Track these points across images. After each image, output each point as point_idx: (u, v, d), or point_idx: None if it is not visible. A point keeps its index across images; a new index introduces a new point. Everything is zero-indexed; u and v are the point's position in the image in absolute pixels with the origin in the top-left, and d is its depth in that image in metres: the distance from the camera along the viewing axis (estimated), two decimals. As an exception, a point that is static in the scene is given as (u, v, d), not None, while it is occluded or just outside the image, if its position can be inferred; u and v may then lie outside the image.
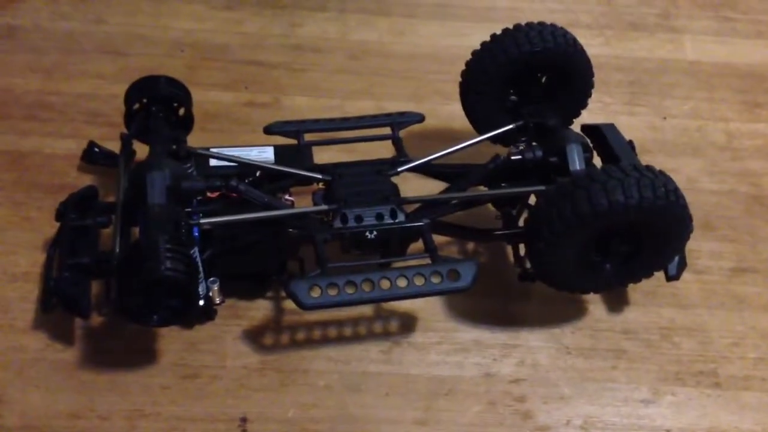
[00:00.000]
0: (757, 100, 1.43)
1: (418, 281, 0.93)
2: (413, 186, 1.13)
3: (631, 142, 1.11)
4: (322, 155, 1.10)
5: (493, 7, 1.56)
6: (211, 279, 0.94)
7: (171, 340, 1.01)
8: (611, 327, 1.09)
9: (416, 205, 1.03)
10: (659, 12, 1.59)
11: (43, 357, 0.99)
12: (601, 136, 1.10)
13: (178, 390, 0.97)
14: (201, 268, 0.92)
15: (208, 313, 1.00)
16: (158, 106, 1.09)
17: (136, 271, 0.86)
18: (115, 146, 1.12)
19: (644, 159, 1.10)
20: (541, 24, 1.10)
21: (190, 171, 1.02)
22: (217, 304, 0.96)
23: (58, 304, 0.95)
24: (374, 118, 1.13)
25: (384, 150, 1.14)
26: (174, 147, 1.02)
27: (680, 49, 1.52)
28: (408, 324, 1.06)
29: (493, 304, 1.09)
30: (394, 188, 1.03)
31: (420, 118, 1.13)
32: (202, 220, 0.95)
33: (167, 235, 0.88)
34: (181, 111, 1.12)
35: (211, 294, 0.94)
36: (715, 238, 1.21)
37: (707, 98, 1.43)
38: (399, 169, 1.06)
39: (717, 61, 1.50)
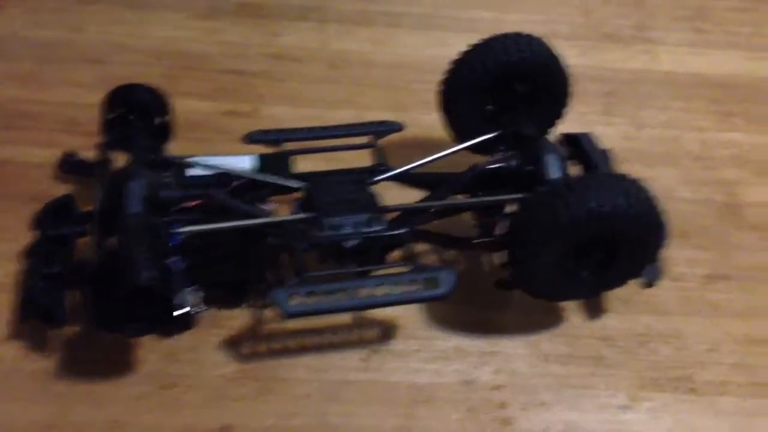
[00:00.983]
0: (731, 109, 1.46)
1: (398, 289, 0.93)
2: (392, 195, 1.13)
3: (608, 151, 1.12)
4: (302, 164, 1.10)
5: (476, 18, 1.57)
6: (190, 288, 0.93)
7: (149, 349, 1.01)
8: (589, 334, 1.09)
9: (395, 214, 1.04)
10: (635, 24, 1.61)
11: (19, 367, 0.98)
12: (578, 145, 1.11)
13: (155, 400, 0.97)
14: (179, 277, 0.92)
15: (187, 323, 0.99)
16: (136, 114, 1.09)
17: (114, 280, 0.85)
18: (92, 155, 1.11)
19: (622, 168, 1.11)
20: (518, 34, 1.11)
21: (168, 180, 1.01)
22: (196, 314, 0.95)
23: (33, 313, 0.94)
24: (354, 127, 1.14)
25: (364, 159, 1.14)
26: (152, 156, 1.01)
27: (655, 60, 1.54)
28: (387, 332, 1.07)
29: (472, 311, 1.09)
30: (374, 197, 1.04)
31: (399, 127, 1.13)
32: (180, 229, 0.94)
33: (145, 244, 0.87)
34: (160, 120, 1.11)
35: (189, 303, 0.93)
36: (690, 245, 1.22)
37: (682, 108, 1.45)
38: (378, 178, 1.06)
39: (692, 72, 1.52)
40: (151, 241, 0.89)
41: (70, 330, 1.00)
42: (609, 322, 1.11)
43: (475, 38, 1.13)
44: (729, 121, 1.43)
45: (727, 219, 1.27)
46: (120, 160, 1.06)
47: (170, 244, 0.93)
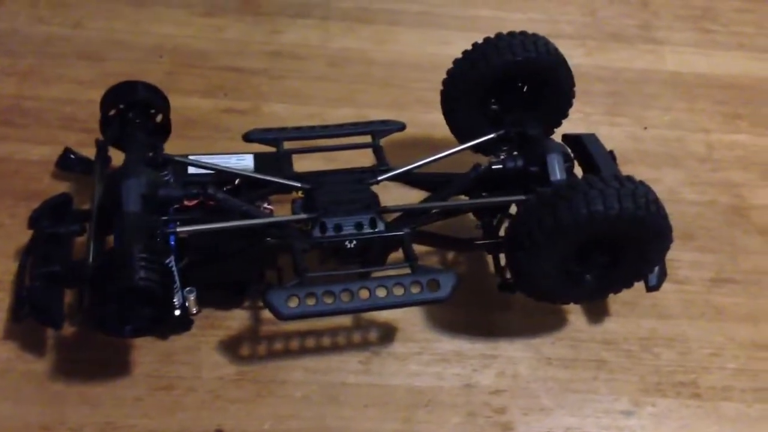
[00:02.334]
0: (737, 111, 1.44)
1: (398, 291, 0.92)
2: (394, 195, 1.13)
3: (612, 152, 1.11)
4: (302, 163, 1.09)
5: (477, 16, 1.56)
6: (188, 288, 0.92)
7: (145, 351, 0.99)
8: (592, 337, 1.08)
9: (396, 215, 1.02)
10: (640, 23, 1.60)
11: (13, 368, 0.96)
12: (582, 146, 1.09)
13: (151, 402, 0.96)
14: (177, 278, 0.91)
15: (184, 324, 0.98)
16: (135, 112, 1.07)
17: (110, 280, 0.84)
18: (90, 153, 1.10)
19: (625, 169, 1.10)
20: (523, 33, 1.10)
21: (167, 178, 1.00)
22: (194, 314, 0.94)
23: (29, 313, 0.93)
24: (355, 126, 1.12)
25: (365, 158, 1.13)
26: (150, 154, 1.00)
27: (660, 60, 1.53)
28: (387, 334, 1.05)
29: (473, 314, 1.08)
30: (375, 197, 1.02)
31: (401, 126, 1.12)
32: (179, 229, 0.93)
33: (142, 244, 0.86)
34: (159, 117, 1.10)
35: (187, 304, 0.92)
36: (695, 248, 1.21)
37: (687, 109, 1.44)
38: (379, 178, 1.05)
39: (697, 72, 1.51)
40: (148, 240, 0.88)
41: (65, 330, 0.98)
42: (611, 325, 1.10)
43: (476, 37, 1.12)
44: (735, 123, 1.42)
45: (732, 221, 1.25)
46: (119, 157, 1.05)
47: (168, 244, 0.92)
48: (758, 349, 1.09)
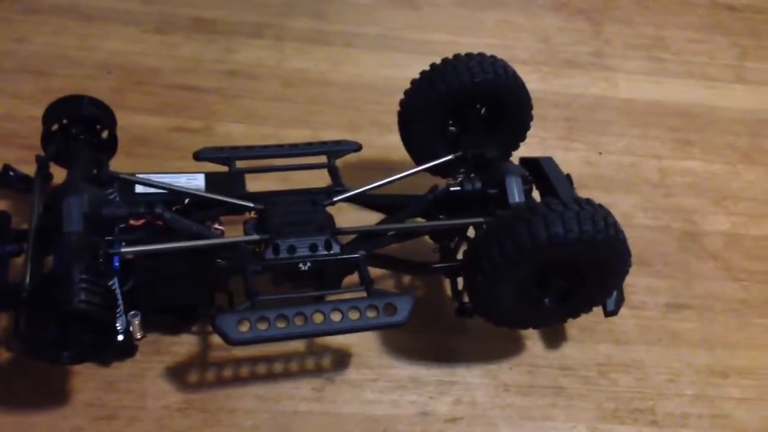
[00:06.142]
0: (688, 138, 1.46)
1: (353, 315, 0.89)
2: (349, 217, 1.10)
3: (568, 176, 1.10)
4: (256, 184, 1.06)
5: (433, 41, 1.56)
6: (132, 312, 0.88)
7: (86, 378, 0.94)
8: (549, 363, 1.07)
9: (352, 237, 1.00)
10: (593, 51, 1.62)
11: (-58, 397, 0.91)
12: (539, 169, 1.09)
13: (92, 433, 0.91)
14: (120, 301, 0.86)
15: (128, 349, 0.94)
16: (79, 127, 1.03)
17: (47, 302, 0.79)
18: (31, 170, 1.05)
19: (581, 194, 1.09)
20: (481, 55, 1.09)
21: (112, 197, 0.96)
22: (138, 339, 0.90)
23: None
24: (310, 146, 1.10)
25: (320, 179, 1.10)
26: (95, 171, 0.96)
27: (614, 87, 1.55)
28: (342, 360, 1.02)
29: (430, 339, 1.06)
30: (330, 219, 1.00)
31: (357, 146, 1.10)
32: (123, 249, 0.89)
33: (83, 265, 0.82)
34: (104, 134, 1.06)
35: (131, 328, 0.88)
36: (650, 273, 1.21)
37: (641, 135, 1.45)
38: (334, 199, 1.03)
39: (650, 100, 1.53)
40: (90, 261, 0.84)
41: (0, 355, 0.93)
42: (569, 350, 1.09)
43: (431, 60, 1.11)
44: (686, 150, 1.44)
45: (686, 247, 1.26)
46: (61, 175, 1.00)
47: (111, 265, 0.88)
48: (714, 375, 1.09)
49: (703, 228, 1.30)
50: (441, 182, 1.06)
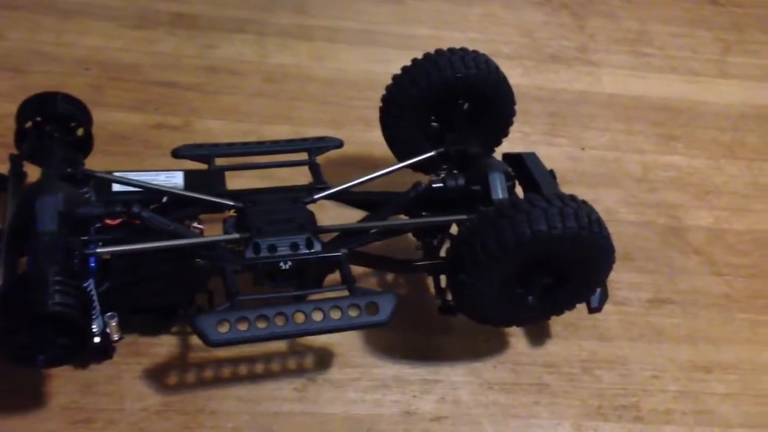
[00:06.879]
0: (671, 132, 1.46)
1: (335, 315, 0.88)
2: (331, 214, 1.09)
3: (552, 172, 1.10)
4: (236, 181, 1.04)
5: (415, 35, 1.55)
6: (109, 314, 0.86)
7: (63, 381, 0.93)
8: (533, 361, 1.06)
9: (333, 235, 0.99)
10: (577, 46, 1.62)
11: None
12: (522, 165, 1.08)
13: (69, 436, 0.89)
14: (96, 302, 0.85)
15: (105, 351, 0.92)
16: (53, 125, 1.01)
17: (21, 305, 0.77)
18: (5, 169, 1.03)
19: (564, 189, 1.08)
20: (464, 50, 1.08)
21: (87, 196, 0.94)
22: (115, 341, 0.88)
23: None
24: (291, 143, 1.09)
25: (301, 176, 1.09)
26: (69, 169, 0.94)
27: (598, 82, 1.54)
28: (324, 359, 1.01)
29: (414, 338, 1.05)
30: (311, 216, 0.98)
31: (338, 143, 1.09)
32: (100, 249, 0.87)
33: (57, 266, 0.80)
34: (80, 131, 1.04)
35: (108, 330, 0.86)
36: (633, 269, 1.21)
37: (624, 130, 1.45)
38: (316, 197, 1.01)
39: (633, 95, 1.52)
40: (65, 262, 0.82)
41: (-27, 360, 0.91)
42: (553, 348, 1.08)
43: (414, 55, 1.10)
44: (670, 144, 1.44)
45: (669, 242, 1.26)
46: (35, 173, 0.98)
47: (87, 266, 0.86)
48: (698, 370, 1.09)
49: (686, 223, 1.30)
50: (423, 179, 1.05)
